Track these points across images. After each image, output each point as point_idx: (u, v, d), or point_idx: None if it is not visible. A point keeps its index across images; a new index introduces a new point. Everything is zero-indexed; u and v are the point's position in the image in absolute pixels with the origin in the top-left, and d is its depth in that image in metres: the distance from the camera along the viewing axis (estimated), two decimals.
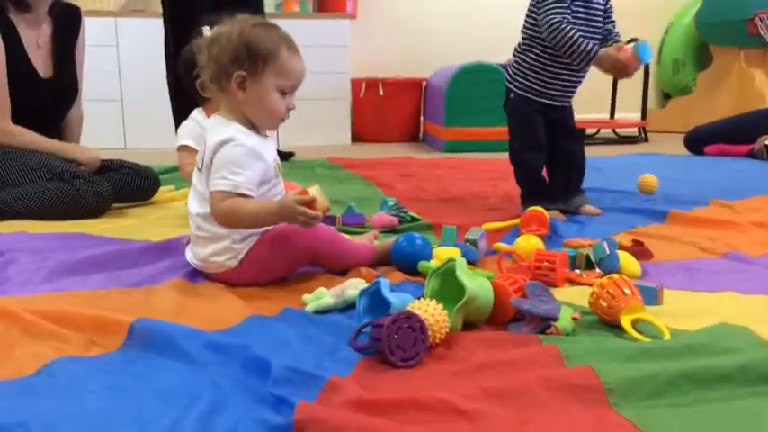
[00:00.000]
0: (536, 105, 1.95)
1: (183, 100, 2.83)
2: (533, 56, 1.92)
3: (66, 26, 2.26)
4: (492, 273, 1.32)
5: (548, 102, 1.95)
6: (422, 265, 1.38)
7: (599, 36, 1.92)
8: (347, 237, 1.52)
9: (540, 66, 1.91)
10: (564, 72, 1.92)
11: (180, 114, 2.04)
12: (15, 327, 1.05)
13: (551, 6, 1.85)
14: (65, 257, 1.50)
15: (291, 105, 1.36)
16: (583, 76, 1.97)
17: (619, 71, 1.85)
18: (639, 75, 4.67)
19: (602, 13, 1.93)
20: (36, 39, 2.16)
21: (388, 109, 4.72)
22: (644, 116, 4.73)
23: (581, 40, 1.82)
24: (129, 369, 0.94)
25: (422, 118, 4.88)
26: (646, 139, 4.64)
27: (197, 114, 1.98)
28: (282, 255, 1.33)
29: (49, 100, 2.21)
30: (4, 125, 2.07)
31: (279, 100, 1.33)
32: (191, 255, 1.39)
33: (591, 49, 1.82)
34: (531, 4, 1.95)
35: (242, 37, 1.31)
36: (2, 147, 2.07)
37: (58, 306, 1.13)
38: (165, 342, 0.99)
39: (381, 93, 4.68)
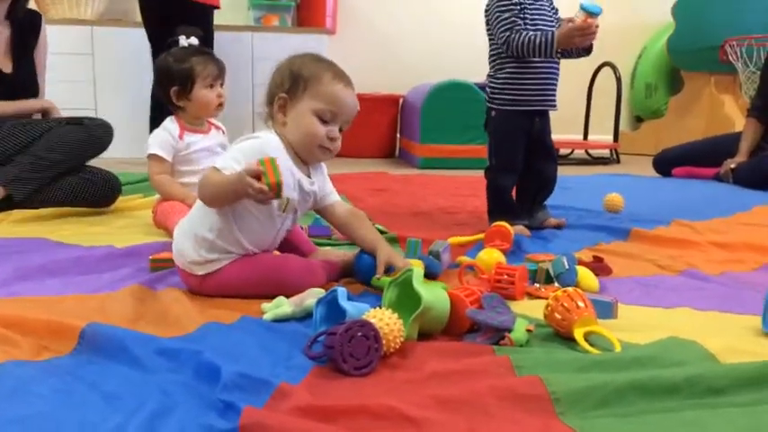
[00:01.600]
0: (520, 119, 1.97)
1: (162, 110, 2.83)
2: (510, 70, 1.94)
3: (26, 29, 2.34)
4: (447, 285, 1.32)
5: (533, 108, 1.97)
6: (375, 280, 1.37)
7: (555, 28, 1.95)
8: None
9: (518, 76, 1.94)
10: (542, 74, 1.95)
11: (156, 124, 2.05)
12: None
13: (500, 25, 1.90)
14: (23, 262, 1.48)
15: (333, 134, 1.32)
16: (557, 73, 1.99)
17: (582, 36, 1.84)
18: (612, 98, 4.76)
19: (551, 14, 1.99)
20: None
21: (364, 125, 4.73)
22: (616, 138, 4.81)
23: (533, 36, 1.86)
24: (77, 373, 0.93)
25: (398, 134, 4.92)
26: (618, 161, 4.71)
27: (169, 123, 1.98)
28: (249, 284, 1.31)
29: (9, 94, 2.26)
30: None
31: (316, 124, 1.30)
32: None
33: (547, 37, 1.85)
34: (486, 28, 1.99)
35: (290, 63, 1.35)
36: None
37: (10, 311, 1.12)
38: (116, 347, 0.98)
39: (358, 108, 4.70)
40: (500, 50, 1.95)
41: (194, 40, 1.95)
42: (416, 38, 5.22)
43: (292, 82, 1.32)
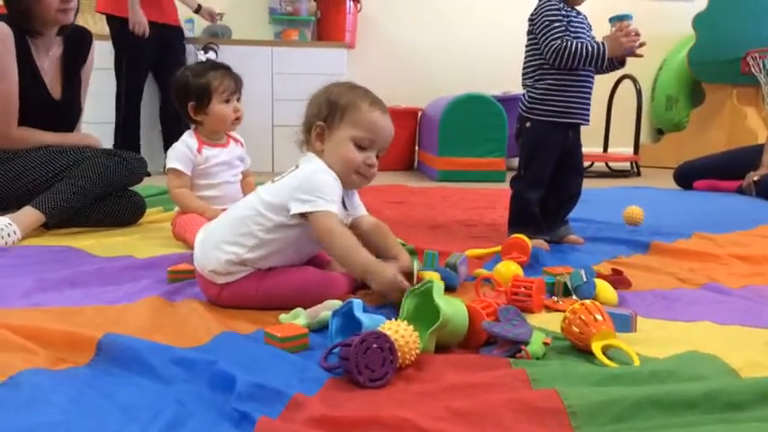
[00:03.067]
0: (556, 132, 1.96)
1: (179, 124, 2.85)
2: (551, 80, 1.93)
3: (76, 46, 2.29)
4: (462, 299, 1.31)
5: (571, 121, 1.96)
6: None
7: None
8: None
9: (560, 87, 1.93)
10: (583, 87, 1.95)
11: (170, 137, 2.10)
12: None
13: (550, 34, 1.88)
14: (44, 273, 1.50)
15: (370, 161, 1.34)
16: (593, 87, 2.00)
17: (627, 38, 1.86)
18: (632, 110, 4.73)
19: (588, 29, 1.99)
20: (47, 60, 2.19)
21: None
22: (636, 151, 4.78)
23: (585, 44, 1.86)
24: (93, 383, 0.94)
25: (416, 147, 4.93)
26: (638, 174, 4.68)
27: (188, 137, 2.00)
28: (267, 295, 1.31)
29: (56, 120, 2.24)
30: (8, 132, 2.12)
31: (353, 151, 1.33)
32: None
33: (599, 45, 1.87)
34: (529, 38, 1.98)
35: (326, 91, 1.37)
36: (8, 150, 2.12)
37: (30, 322, 1.13)
38: (132, 357, 0.99)
39: None
40: (542, 60, 1.94)
41: (212, 55, 1.98)
42: (435, 52, 5.24)
43: (330, 110, 1.35)
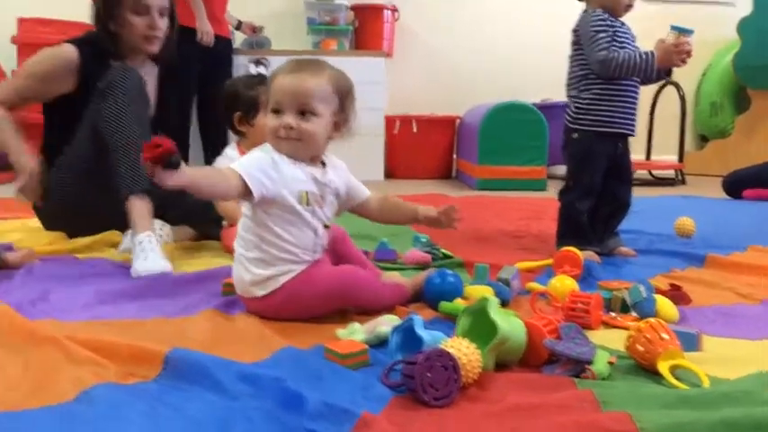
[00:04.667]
0: (604, 142, 1.94)
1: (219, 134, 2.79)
2: (597, 91, 1.92)
3: (170, 72, 2.25)
4: (518, 313, 1.30)
5: (618, 131, 1.94)
6: (443, 305, 1.37)
7: None
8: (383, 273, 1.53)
9: (606, 97, 1.91)
10: (629, 96, 1.93)
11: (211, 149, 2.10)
12: (57, 352, 1.07)
13: (596, 44, 1.86)
14: (103, 285, 1.53)
15: (284, 122, 1.31)
16: (639, 97, 1.97)
17: (678, 54, 1.84)
18: (675, 117, 4.65)
19: (633, 40, 1.96)
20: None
21: (421, 146, 4.76)
22: (681, 158, 4.69)
23: (633, 54, 1.84)
24: (163, 398, 0.95)
25: (454, 155, 4.91)
26: (683, 182, 4.59)
27: (230, 150, 2.03)
28: (316, 298, 1.32)
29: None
30: None
31: (269, 118, 1.34)
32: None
33: (648, 55, 1.84)
34: (574, 49, 1.96)
35: None
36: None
37: (96, 335, 1.15)
38: (200, 373, 1.00)
39: (415, 130, 4.73)
40: (587, 71, 1.92)
41: (263, 69, 2.00)
42: (472, 59, 5.23)
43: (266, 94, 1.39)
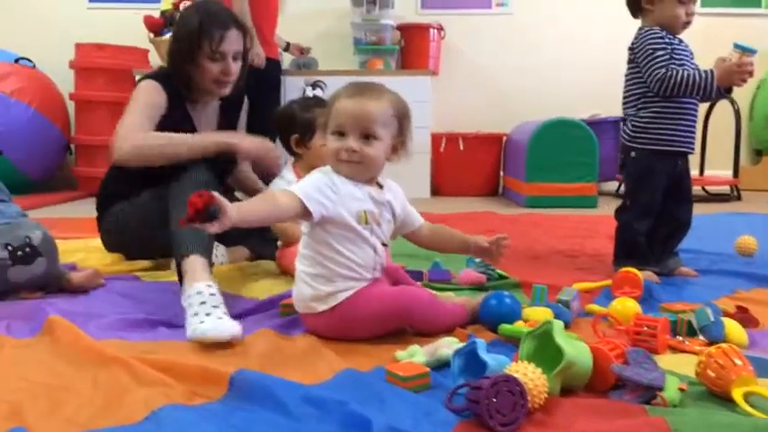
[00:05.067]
0: (664, 161, 1.90)
1: None
2: (656, 109, 1.89)
3: (233, 101, 2.24)
4: (579, 335, 1.28)
5: (678, 149, 1.90)
6: (504, 328, 1.35)
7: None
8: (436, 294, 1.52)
9: (666, 116, 1.88)
10: (689, 114, 1.90)
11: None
12: (125, 372, 1.09)
13: (655, 62, 1.83)
14: (164, 307, 1.56)
15: (347, 145, 1.33)
16: (696, 115, 1.94)
17: (740, 74, 1.80)
18: (729, 131, 4.53)
19: (692, 57, 1.93)
20: (204, 115, 2.13)
21: (467, 163, 4.74)
22: (736, 173, 4.56)
23: (693, 73, 1.81)
24: (229, 420, 0.96)
25: (501, 172, 4.88)
26: (738, 197, 4.45)
27: (286, 172, 2.05)
28: (375, 315, 1.33)
29: (217, 164, 2.05)
30: (136, 135, 1.89)
31: (330, 141, 1.36)
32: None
33: (708, 75, 1.80)
34: (630, 67, 1.93)
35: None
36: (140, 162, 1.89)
37: (162, 355, 1.18)
38: (265, 394, 1.01)
39: (462, 147, 4.72)
40: (645, 89, 1.89)
41: (319, 92, 2.02)
42: (518, 77, 5.20)
43: (325, 116, 1.40)
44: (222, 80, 2.01)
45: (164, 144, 1.88)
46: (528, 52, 5.20)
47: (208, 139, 1.94)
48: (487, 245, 1.54)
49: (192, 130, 2.04)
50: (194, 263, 1.54)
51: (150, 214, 1.88)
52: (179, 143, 1.89)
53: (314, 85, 2.00)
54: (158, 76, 2.04)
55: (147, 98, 1.97)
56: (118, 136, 1.89)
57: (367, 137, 1.34)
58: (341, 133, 1.34)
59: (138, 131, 1.89)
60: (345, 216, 1.32)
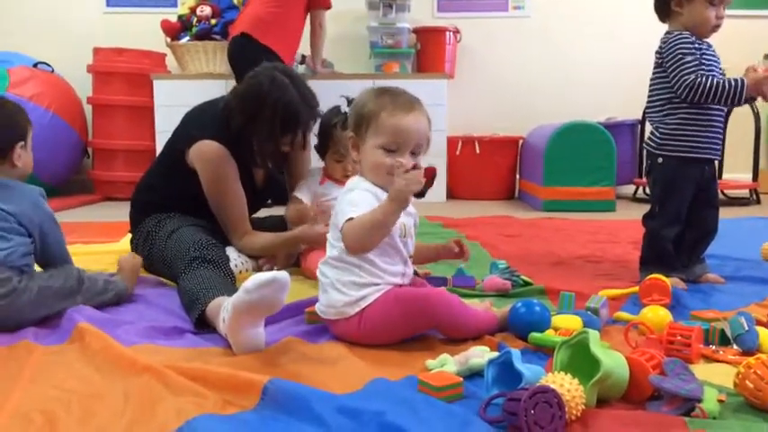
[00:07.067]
0: (691, 168, 1.88)
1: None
2: (683, 115, 1.86)
3: None
4: (609, 344, 1.26)
5: (706, 156, 1.88)
6: (534, 337, 1.33)
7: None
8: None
9: (693, 122, 1.86)
10: (716, 121, 1.88)
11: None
12: (157, 382, 1.09)
13: (683, 68, 1.81)
14: (181, 314, 1.56)
15: (400, 163, 1.32)
16: (723, 122, 1.92)
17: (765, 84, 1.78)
18: (749, 134, 4.49)
19: (719, 63, 1.90)
20: None
21: (483, 167, 4.72)
22: (755, 177, 4.51)
23: (722, 81, 1.78)
24: (263, 430, 0.96)
25: (517, 176, 4.85)
26: (758, 201, 4.41)
27: (316, 172, 2.15)
28: (404, 314, 1.33)
29: (253, 204, 2.14)
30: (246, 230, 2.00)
31: (381, 156, 1.36)
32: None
33: (737, 83, 1.78)
34: (656, 71, 1.91)
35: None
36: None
37: (192, 363, 1.18)
38: (299, 404, 1.00)
39: (478, 151, 4.70)
40: (671, 95, 1.86)
41: None
42: (534, 80, 5.18)
43: (357, 122, 1.40)
44: (277, 161, 2.05)
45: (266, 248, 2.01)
46: (544, 55, 5.17)
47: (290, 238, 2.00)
48: (452, 244, 1.68)
49: (252, 181, 2.08)
50: (214, 304, 1.45)
51: (173, 253, 1.81)
52: (269, 248, 2.01)
53: (349, 100, 2.00)
54: (220, 136, 1.93)
55: (233, 172, 1.94)
56: (236, 235, 1.97)
57: (415, 152, 1.37)
58: (393, 150, 1.35)
59: (247, 231, 1.99)
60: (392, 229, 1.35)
